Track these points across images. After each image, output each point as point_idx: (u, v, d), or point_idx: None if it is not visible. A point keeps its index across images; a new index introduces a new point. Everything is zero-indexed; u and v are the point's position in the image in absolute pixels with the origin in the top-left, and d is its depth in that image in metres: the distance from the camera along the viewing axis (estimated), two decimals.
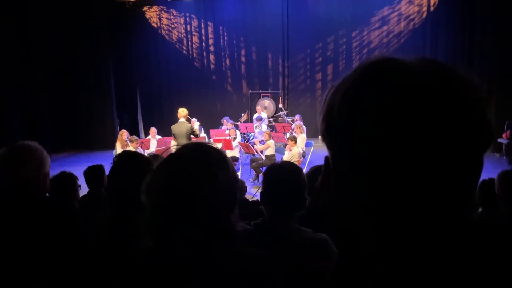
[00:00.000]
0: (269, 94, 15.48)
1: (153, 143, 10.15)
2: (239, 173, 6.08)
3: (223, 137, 9.76)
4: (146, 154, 8.40)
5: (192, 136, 8.00)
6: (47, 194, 2.25)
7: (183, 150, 1.11)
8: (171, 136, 8.43)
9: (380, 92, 0.49)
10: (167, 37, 15.75)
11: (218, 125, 12.42)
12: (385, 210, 0.51)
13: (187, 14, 15.69)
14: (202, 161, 1.07)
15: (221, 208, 1.05)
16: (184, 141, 7.78)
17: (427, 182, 0.48)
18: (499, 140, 10.73)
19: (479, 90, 0.51)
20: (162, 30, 15.71)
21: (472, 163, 0.50)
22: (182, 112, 8.11)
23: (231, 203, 1.10)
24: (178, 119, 8.13)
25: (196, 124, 10.55)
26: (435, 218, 0.50)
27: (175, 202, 1.02)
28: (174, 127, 8.07)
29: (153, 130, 10.85)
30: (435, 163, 0.48)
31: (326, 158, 0.59)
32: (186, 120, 8.22)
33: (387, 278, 0.51)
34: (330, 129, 0.55)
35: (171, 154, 1.11)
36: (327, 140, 0.57)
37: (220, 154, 1.12)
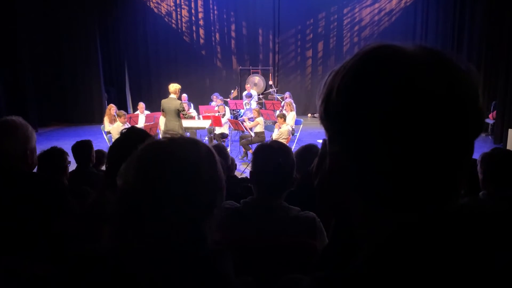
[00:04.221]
0: (259, 71, 15.37)
1: (141, 119, 10.01)
2: (228, 149, 5.95)
3: (213, 114, 9.71)
4: None
5: (181, 114, 7.64)
6: (35, 170, 2.24)
7: (173, 138, 1.00)
8: (160, 111, 8.06)
9: (378, 78, 0.50)
10: (155, 9, 15.41)
11: (207, 101, 12.33)
12: (377, 191, 0.52)
13: None
14: (183, 151, 0.95)
15: (188, 210, 0.91)
16: (172, 118, 7.54)
17: (421, 166, 0.50)
18: (486, 120, 10.88)
19: (475, 79, 0.52)
20: (151, 2, 15.35)
21: (463, 149, 0.52)
22: (172, 87, 7.59)
23: (204, 209, 0.95)
24: (167, 94, 7.71)
25: (188, 107, 10.12)
26: (427, 200, 0.52)
27: (144, 190, 0.91)
28: (163, 102, 7.67)
29: (141, 105, 10.72)
30: (429, 149, 0.49)
31: (324, 141, 0.60)
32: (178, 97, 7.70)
33: (373, 260, 0.52)
34: (328, 112, 0.56)
35: (159, 139, 1.00)
36: (325, 122, 0.57)
37: (209, 151, 1.00)
